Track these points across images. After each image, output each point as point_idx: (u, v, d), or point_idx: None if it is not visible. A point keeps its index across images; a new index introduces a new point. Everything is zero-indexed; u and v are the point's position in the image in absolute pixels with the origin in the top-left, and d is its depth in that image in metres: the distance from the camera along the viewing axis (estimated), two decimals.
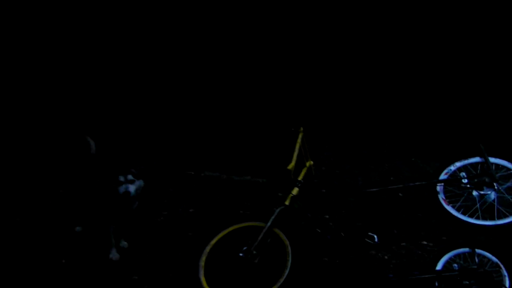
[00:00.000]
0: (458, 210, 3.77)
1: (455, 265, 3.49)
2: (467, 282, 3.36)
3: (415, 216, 4.18)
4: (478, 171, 3.81)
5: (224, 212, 4.53)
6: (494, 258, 3.48)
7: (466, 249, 3.54)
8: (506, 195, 3.84)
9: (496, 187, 3.68)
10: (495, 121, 5.20)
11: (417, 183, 3.85)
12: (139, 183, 3.74)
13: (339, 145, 5.61)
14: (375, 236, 3.56)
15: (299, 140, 4.15)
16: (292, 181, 3.96)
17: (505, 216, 3.73)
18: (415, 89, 5.52)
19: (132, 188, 3.66)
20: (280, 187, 4.13)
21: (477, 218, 3.70)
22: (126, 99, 6.08)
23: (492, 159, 3.84)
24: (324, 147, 5.52)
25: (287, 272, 3.57)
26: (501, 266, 3.44)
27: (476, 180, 3.74)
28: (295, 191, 3.89)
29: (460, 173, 3.81)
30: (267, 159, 5.00)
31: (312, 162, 4.38)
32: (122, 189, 3.64)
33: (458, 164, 3.90)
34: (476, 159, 3.91)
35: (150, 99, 6.07)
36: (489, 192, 3.69)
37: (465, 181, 3.76)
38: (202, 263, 3.68)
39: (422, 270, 3.51)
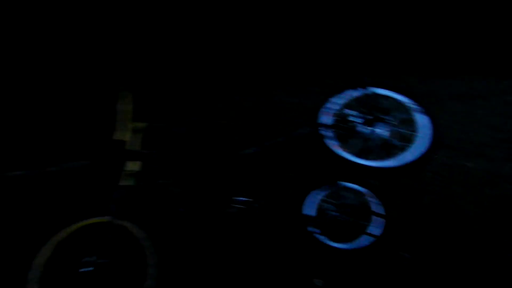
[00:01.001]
0: (352, 153, 3.21)
1: (325, 204, 3.15)
2: (340, 219, 3.09)
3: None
4: (361, 106, 3.29)
5: (43, 217, 3.32)
6: (361, 188, 3.21)
7: (330, 185, 3.21)
8: (401, 130, 3.26)
9: (389, 122, 3.23)
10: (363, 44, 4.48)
11: (300, 131, 3.16)
12: None
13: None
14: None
15: (124, 100, 3.18)
16: (126, 154, 3.04)
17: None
18: None
19: None
20: (113, 165, 3.14)
21: (375, 159, 3.13)
22: None
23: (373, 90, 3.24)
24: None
25: (153, 271, 2.76)
26: (371, 194, 3.19)
27: (364, 116, 3.23)
28: (134, 165, 3.00)
29: (343, 110, 3.23)
30: (87, 134, 3.77)
31: (144, 124, 3.44)
32: None
33: (334, 100, 3.33)
34: (353, 92, 3.22)
35: None
36: (382, 128, 3.23)
37: (354, 119, 3.21)
38: None
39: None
